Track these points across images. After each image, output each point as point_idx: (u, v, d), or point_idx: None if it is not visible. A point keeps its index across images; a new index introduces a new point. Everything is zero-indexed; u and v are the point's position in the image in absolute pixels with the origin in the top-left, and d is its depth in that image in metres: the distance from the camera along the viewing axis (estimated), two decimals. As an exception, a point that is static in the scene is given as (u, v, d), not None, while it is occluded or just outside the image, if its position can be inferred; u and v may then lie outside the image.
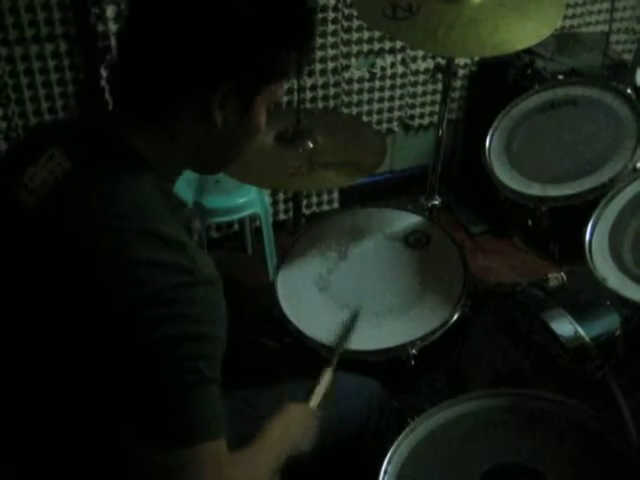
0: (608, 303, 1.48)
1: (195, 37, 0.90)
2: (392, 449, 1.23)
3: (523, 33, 1.61)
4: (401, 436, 1.26)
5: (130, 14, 0.96)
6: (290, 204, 2.61)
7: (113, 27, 2.13)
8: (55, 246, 0.90)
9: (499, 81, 2.43)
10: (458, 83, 2.67)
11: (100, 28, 2.12)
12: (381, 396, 1.39)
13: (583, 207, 1.46)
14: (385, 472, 1.20)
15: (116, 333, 0.85)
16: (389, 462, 1.22)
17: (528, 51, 2.33)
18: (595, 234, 1.37)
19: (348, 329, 1.44)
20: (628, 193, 1.43)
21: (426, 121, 2.71)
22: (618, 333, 1.43)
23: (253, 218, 2.43)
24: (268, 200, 2.43)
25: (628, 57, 2.51)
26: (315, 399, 1.25)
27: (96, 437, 0.95)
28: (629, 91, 1.65)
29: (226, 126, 0.95)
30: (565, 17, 2.60)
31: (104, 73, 2.19)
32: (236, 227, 2.56)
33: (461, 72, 2.64)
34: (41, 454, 0.99)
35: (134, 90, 0.95)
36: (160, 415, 0.85)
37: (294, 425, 1.16)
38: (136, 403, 0.86)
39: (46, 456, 0.99)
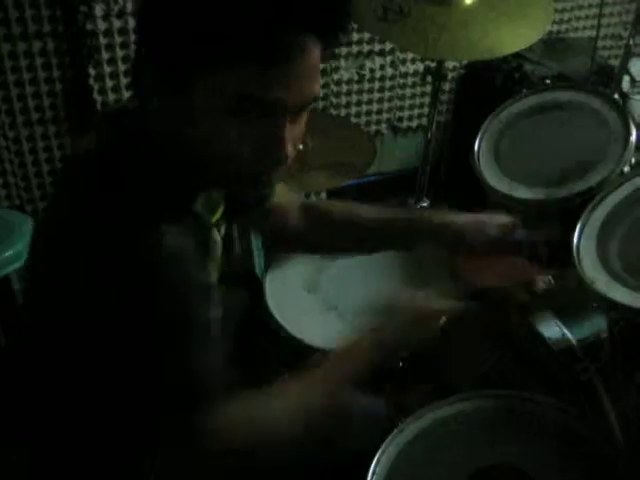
0: (595, 306, 1.49)
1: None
2: (380, 450, 1.24)
3: (512, 37, 1.62)
4: (389, 437, 1.26)
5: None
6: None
7: (102, 25, 2.12)
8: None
9: (487, 84, 2.45)
10: (447, 86, 2.68)
11: (89, 27, 2.11)
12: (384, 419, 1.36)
13: (571, 211, 1.47)
14: (373, 473, 1.21)
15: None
16: (377, 463, 1.22)
17: (516, 55, 2.35)
18: (583, 237, 1.38)
19: None
20: (615, 197, 1.44)
21: (414, 123, 2.72)
22: (605, 335, 1.44)
23: (241, 219, 2.42)
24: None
25: (615, 62, 2.53)
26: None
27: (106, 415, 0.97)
28: (616, 96, 1.67)
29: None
30: (553, 22, 2.62)
31: (92, 72, 2.18)
32: (224, 227, 2.55)
33: (450, 75, 2.65)
34: (56, 437, 1.02)
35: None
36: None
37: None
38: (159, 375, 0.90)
39: (60, 440, 1.01)
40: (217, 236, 1.13)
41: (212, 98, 0.86)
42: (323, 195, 2.67)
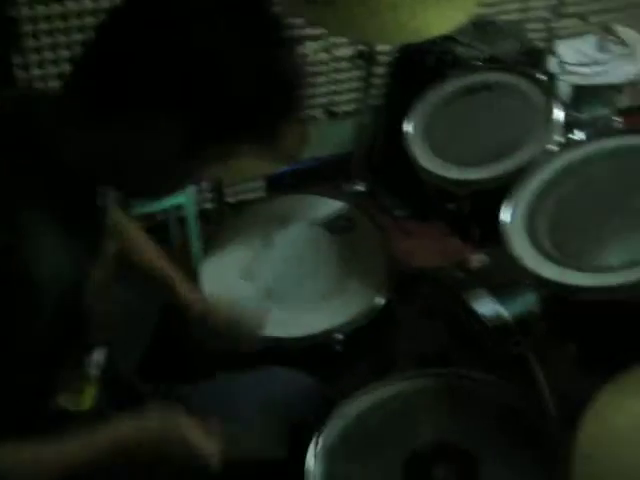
0: (527, 282, 1.52)
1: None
2: (320, 433, 1.24)
3: (440, 19, 1.64)
4: (329, 420, 1.26)
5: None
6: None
7: (26, 12, 2.06)
8: None
9: (419, 67, 2.46)
10: (381, 70, 2.69)
11: (12, 13, 2.05)
12: (310, 390, 1.36)
13: (502, 190, 1.50)
14: (314, 456, 1.21)
15: None
16: (317, 445, 1.22)
17: (448, 38, 2.36)
18: (512, 216, 1.41)
19: None
20: (543, 176, 1.47)
21: (350, 108, 2.71)
22: (536, 311, 1.47)
23: (178, 207, 2.39)
24: (192, 189, 2.39)
25: (542, 44, 2.58)
26: None
27: None
28: (542, 77, 1.70)
29: None
30: (483, 5, 2.65)
31: (17, 60, 2.12)
32: (160, 217, 2.51)
33: (383, 59, 2.65)
34: None
35: None
36: None
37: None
38: None
39: None
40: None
41: (192, 152, 0.92)
42: (260, 182, 2.66)
